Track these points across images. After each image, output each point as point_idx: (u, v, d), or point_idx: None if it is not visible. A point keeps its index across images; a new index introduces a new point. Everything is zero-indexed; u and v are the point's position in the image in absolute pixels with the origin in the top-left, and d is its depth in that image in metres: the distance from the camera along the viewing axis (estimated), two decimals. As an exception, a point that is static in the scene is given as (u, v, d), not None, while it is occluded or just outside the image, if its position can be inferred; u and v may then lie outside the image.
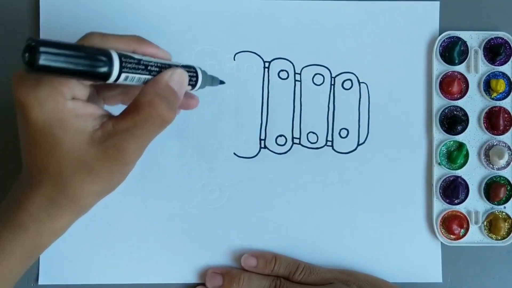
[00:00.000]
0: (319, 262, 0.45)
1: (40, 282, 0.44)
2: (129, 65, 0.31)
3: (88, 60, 0.29)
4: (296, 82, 0.46)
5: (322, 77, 0.46)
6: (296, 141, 0.46)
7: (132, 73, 0.32)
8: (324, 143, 0.46)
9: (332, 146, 0.46)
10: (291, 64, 0.46)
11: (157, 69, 0.34)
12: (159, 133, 0.34)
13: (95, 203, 0.36)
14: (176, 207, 0.45)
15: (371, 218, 0.46)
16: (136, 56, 0.32)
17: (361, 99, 0.46)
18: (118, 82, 0.31)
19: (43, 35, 0.45)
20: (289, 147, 0.46)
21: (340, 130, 0.46)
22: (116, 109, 0.35)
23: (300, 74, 0.46)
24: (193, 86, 0.37)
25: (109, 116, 0.34)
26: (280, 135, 0.46)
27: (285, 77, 0.46)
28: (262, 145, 0.46)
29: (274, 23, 0.46)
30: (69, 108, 0.31)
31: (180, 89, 0.35)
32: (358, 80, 0.46)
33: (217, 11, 0.46)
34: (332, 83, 0.46)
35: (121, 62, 0.31)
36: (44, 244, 0.36)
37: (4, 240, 0.34)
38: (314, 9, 0.46)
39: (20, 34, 0.46)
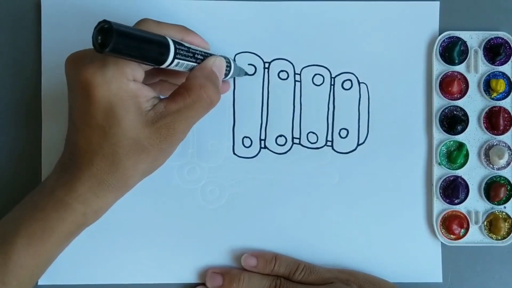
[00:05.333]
0: (319, 261, 0.45)
1: (40, 282, 0.44)
2: (181, 52, 0.34)
3: (151, 45, 0.32)
4: (296, 82, 0.46)
5: (322, 77, 0.46)
6: (296, 141, 0.46)
7: (183, 59, 0.35)
8: (324, 143, 0.46)
9: (332, 146, 0.46)
10: (291, 65, 0.46)
11: (202, 57, 0.37)
12: (205, 114, 0.36)
13: (138, 182, 0.37)
14: (176, 207, 0.45)
15: (371, 218, 0.46)
16: (186, 44, 0.35)
17: (361, 99, 0.46)
18: (169, 67, 0.34)
19: (45, 31, 0.45)
20: (289, 147, 0.46)
21: (340, 130, 0.46)
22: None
23: (300, 74, 0.46)
24: (226, 75, 0.41)
25: (159, 98, 0.35)
26: (280, 135, 0.46)
27: (285, 77, 0.46)
28: (262, 145, 0.46)
29: (274, 23, 0.46)
30: (131, 88, 0.33)
31: (220, 74, 0.38)
32: (358, 80, 0.46)
33: (217, 11, 0.46)
34: (332, 83, 0.46)
35: (175, 49, 0.33)
36: (87, 223, 0.37)
37: (51, 220, 0.36)
38: (314, 9, 0.46)
39: (22, 32, 0.46)
